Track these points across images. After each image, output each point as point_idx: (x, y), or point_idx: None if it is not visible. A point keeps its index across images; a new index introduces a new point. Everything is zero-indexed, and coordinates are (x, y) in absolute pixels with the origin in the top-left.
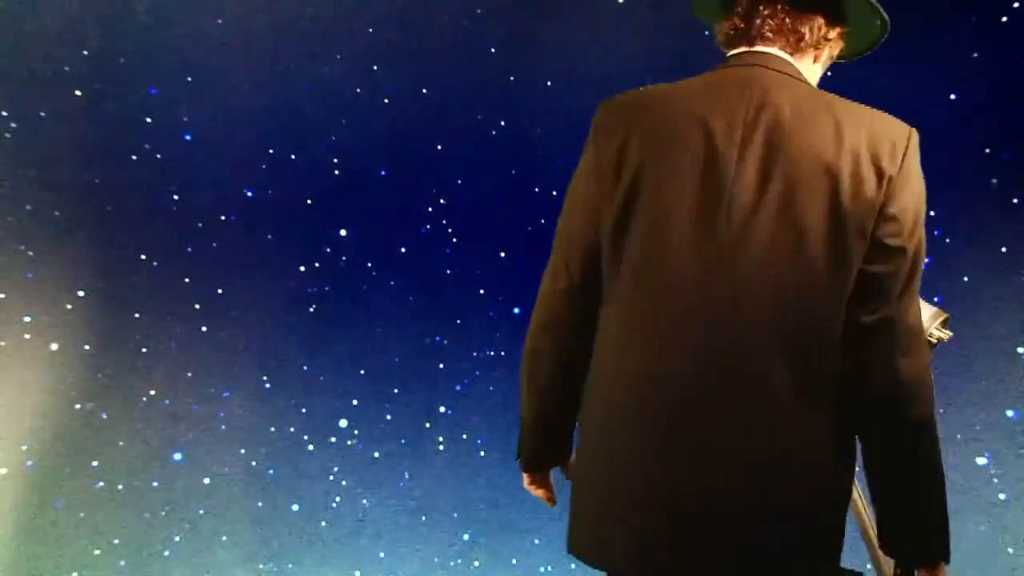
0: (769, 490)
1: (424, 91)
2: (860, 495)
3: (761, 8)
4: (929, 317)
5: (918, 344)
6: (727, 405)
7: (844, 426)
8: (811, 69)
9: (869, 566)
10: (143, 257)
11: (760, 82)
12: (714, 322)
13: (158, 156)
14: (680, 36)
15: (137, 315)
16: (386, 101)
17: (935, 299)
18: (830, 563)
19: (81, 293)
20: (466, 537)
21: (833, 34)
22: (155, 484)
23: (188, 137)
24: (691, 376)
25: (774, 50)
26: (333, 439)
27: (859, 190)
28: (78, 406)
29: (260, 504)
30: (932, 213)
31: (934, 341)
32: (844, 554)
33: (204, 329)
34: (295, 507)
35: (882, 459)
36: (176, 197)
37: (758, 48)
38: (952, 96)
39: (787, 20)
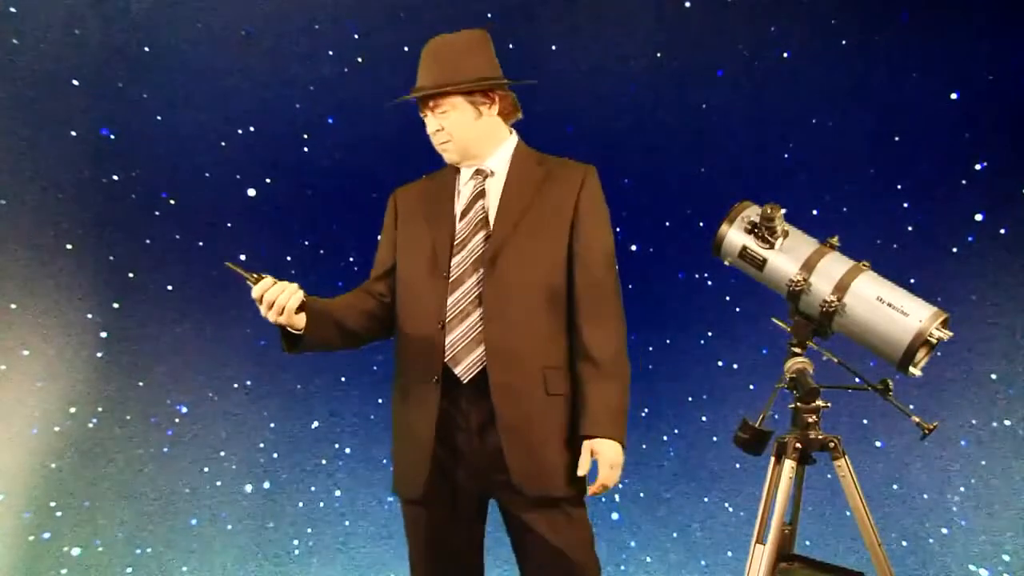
0: None
1: (406, 49)
2: (865, 506)
3: None
4: (929, 317)
5: None
6: None
7: None
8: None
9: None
10: (74, 248)
11: None
12: None
13: (112, 137)
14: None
15: (90, 316)
16: (359, 61)
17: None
18: None
19: (27, 294)
20: None
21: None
22: (107, 504)
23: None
24: None
25: None
26: (308, 455)
27: None
28: (23, 420)
29: (229, 527)
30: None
31: (934, 341)
32: (844, 554)
33: (163, 333)
34: (268, 531)
35: None
36: (116, 178)
37: None
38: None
39: None
